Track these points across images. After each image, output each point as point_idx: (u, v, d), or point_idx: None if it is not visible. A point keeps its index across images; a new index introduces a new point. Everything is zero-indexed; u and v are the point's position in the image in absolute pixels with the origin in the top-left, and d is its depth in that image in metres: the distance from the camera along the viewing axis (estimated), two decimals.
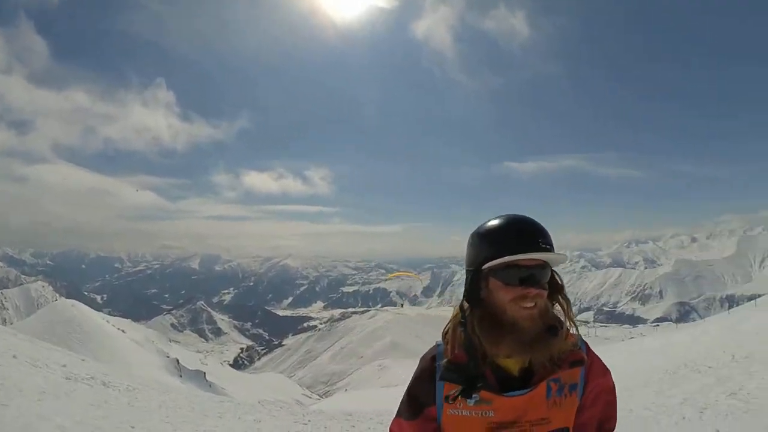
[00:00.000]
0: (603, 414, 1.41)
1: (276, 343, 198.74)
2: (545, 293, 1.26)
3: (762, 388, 8.36)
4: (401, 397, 1.42)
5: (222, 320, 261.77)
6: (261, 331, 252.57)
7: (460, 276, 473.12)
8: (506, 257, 1.22)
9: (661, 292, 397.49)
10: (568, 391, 1.30)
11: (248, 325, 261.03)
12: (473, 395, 1.23)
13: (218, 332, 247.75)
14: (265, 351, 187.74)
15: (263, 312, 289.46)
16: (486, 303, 1.28)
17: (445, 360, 1.30)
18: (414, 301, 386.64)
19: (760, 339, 14.81)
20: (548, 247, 1.26)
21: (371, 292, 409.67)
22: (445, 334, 1.39)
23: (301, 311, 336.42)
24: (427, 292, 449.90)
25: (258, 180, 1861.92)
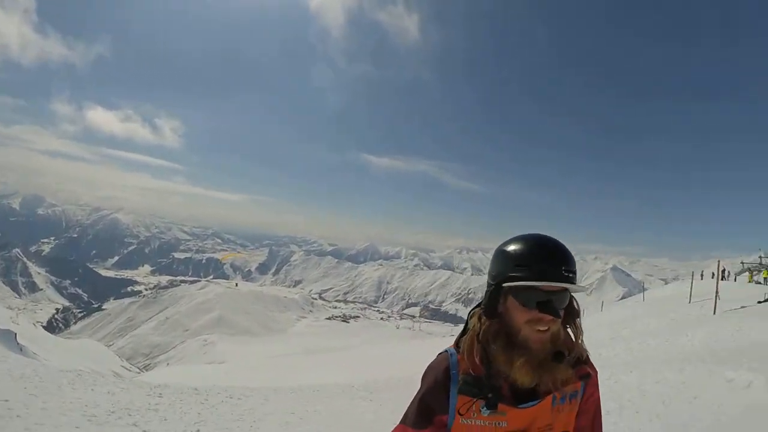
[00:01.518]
0: (595, 419, 1.49)
1: (95, 306, 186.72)
2: (560, 320, 1.31)
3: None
4: (408, 404, 1.45)
5: (38, 274, 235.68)
6: (80, 291, 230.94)
7: (299, 257, 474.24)
8: (528, 282, 1.26)
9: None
10: (569, 399, 1.37)
11: (67, 282, 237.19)
12: (489, 407, 1.29)
13: (33, 287, 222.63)
14: (82, 314, 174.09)
15: (85, 270, 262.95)
16: (502, 318, 1.34)
17: (463, 372, 1.34)
18: (248, 277, 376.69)
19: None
20: (571, 275, 1.29)
21: (204, 261, 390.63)
22: (458, 343, 1.42)
23: (127, 273, 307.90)
24: (263, 269, 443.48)
25: (103, 118, 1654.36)
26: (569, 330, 1.39)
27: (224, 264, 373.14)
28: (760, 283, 39.75)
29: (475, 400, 1.30)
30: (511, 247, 1.33)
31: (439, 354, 1.45)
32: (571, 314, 1.37)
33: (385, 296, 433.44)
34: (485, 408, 1.29)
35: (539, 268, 1.25)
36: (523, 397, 1.32)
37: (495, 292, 1.33)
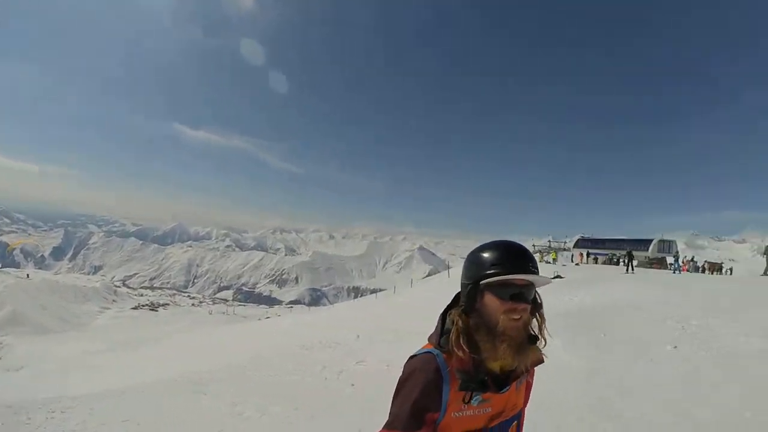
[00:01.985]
0: (528, 393, 1.83)
1: None
2: (529, 308, 1.54)
3: (380, 357, 11.72)
4: (393, 409, 1.52)
5: None
6: None
7: (98, 239, 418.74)
8: (504, 276, 1.48)
9: (297, 277, 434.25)
10: (523, 380, 1.66)
11: None
12: (476, 396, 1.49)
13: None
14: None
15: None
16: (479, 313, 1.54)
17: (457, 369, 1.49)
18: (41, 264, 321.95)
19: (378, 323, 19.18)
20: (535, 270, 1.53)
21: None
22: (439, 343, 1.57)
23: None
24: (57, 253, 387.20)
25: None
26: (535, 318, 1.62)
27: (13, 250, 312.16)
28: (549, 263, 47.16)
29: (465, 393, 1.49)
30: (486, 251, 1.56)
31: (419, 355, 1.57)
32: (536, 305, 1.60)
33: (196, 280, 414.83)
34: (475, 398, 1.50)
35: (512, 265, 1.50)
36: (500, 383, 1.54)
37: (472, 291, 1.56)
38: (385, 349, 12.79)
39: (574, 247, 63.84)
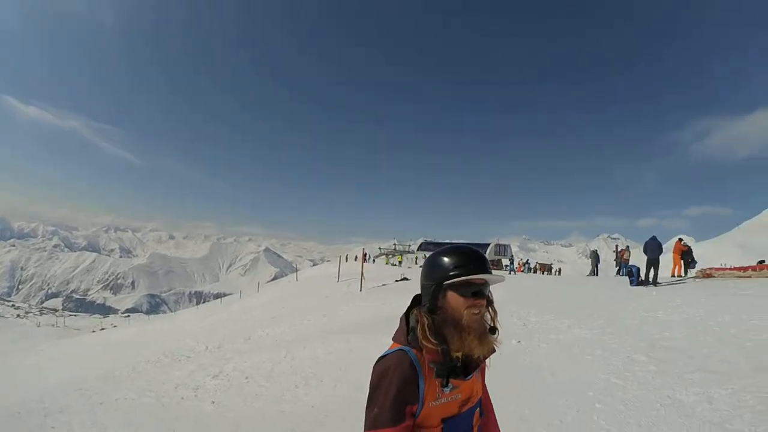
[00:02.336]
0: (486, 387, 2.01)
1: None
2: (485, 304, 1.70)
3: (236, 369, 11.02)
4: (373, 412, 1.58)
5: None
6: None
7: None
8: (467, 276, 1.63)
9: (133, 282, 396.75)
10: (478, 369, 1.78)
11: None
12: (449, 384, 1.63)
13: None
14: None
15: None
16: (442, 310, 1.68)
17: (430, 362, 1.62)
18: None
19: (227, 331, 18.27)
20: (491, 271, 1.70)
21: None
22: (408, 339, 1.69)
23: None
24: None
25: None
26: (488, 312, 1.76)
27: None
28: (395, 265, 49.01)
29: (440, 380, 1.62)
30: (447, 255, 1.71)
31: (391, 354, 1.66)
32: (489, 301, 1.75)
33: (20, 286, 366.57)
34: (448, 386, 1.63)
35: (473, 266, 1.65)
36: (463, 371, 1.68)
37: (436, 291, 1.69)
38: (239, 359, 12.24)
39: (418, 249, 67.86)
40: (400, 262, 50.60)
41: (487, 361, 1.82)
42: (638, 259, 21.55)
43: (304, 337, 13.86)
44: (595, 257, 29.72)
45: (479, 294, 1.67)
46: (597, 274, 29.00)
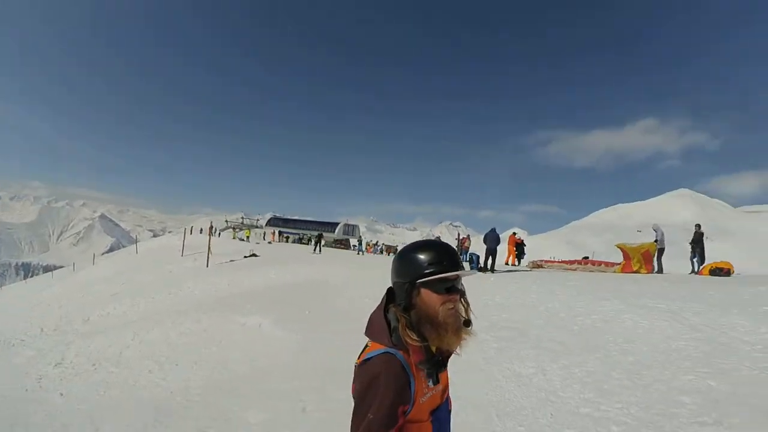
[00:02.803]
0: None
1: None
2: (459, 298, 1.73)
3: (80, 354, 10.18)
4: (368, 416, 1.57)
5: None
6: None
7: None
8: (440, 275, 1.66)
9: None
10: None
11: None
12: (438, 379, 1.71)
13: None
14: None
15: None
16: (417, 308, 1.70)
17: (417, 362, 1.66)
18: None
19: (63, 310, 16.43)
20: (462, 265, 1.73)
21: None
22: (393, 340, 1.66)
23: None
24: None
25: None
26: (461, 304, 1.79)
27: None
28: (242, 240, 47.18)
29: (432, 378, 1.69)
30: (421, 251, 1.74)
31: (377, 357, 1.64)
32: (462, 293, 1.78)
33: None
34: (431, 381, 1.69)
35: (446, 263, 1.69)
36: (441, 364, 1.74)
37: (409, 289, 1.71)
38: (81, 343, 11.08)
39: (266, 225, 66.13)
40: (248, 237, 49.13)
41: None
42: (477, 247, 23.60)
43: (150, 317, 13.04)
44: None
45: (453, 289, 1.70)
46: None
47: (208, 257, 25.16)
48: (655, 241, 17.75)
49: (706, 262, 17.41)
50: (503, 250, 24.00)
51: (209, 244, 26.84)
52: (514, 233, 23.97)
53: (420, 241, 1.80)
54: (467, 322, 1.74)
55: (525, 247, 23.59)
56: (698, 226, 18.87)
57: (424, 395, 1.67)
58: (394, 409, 1.56)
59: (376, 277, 16.39)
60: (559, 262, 21.33)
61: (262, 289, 15.22)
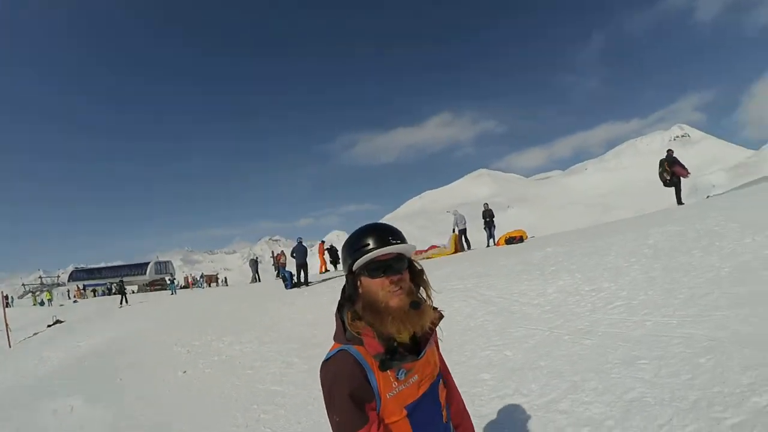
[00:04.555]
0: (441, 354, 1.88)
1: None
2: (406, 277, 1.61)
3: None
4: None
5: None
6: None
7: None
8: (366, 256, 1.55)
9: None
10: (431, 342, 1.69)
11: None
12: (401, 370, 1.56)
13: None
14: None
15: None
16: (362, 297, 1.61)
17: (373, 355, 1.52)
18: None
19: None
20: (397, 241, 1.59)
21: None
22: (346, 337, 1.58)
23: None
24: None
25: None
26: (421, 285, 1.70)
27: None
28: (44, 304, 39.82)
29: (390, 372, 1.54)
30: (351, 240, 1.65)
31: (332, 356, 1.56)
32: (415, 272, 1.68)
33: None
34: (400, 372, 1.57)
35: (373, 243, 1.57)
36: (413, 351, 1.62)
37: (351, 279, 1.64)
38: None
39: (69, 280, 57.65)
40: (49, 300, 41.77)
41: (439, 330, 1.77)
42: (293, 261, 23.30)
43: None
44: (254, 265, 31.63)
45: (391, 270, 1.59)
46: (259, 280, 30.63)
47: (8, 335, 20.79)
48: (455, 228, 19.82)
49: (502, 232, 19.49)
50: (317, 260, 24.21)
51: (5, 318, 22.21)
52: (322, 242, 24.91)
53: (357, 229, 1.70)
54: (415, 303, 1.61)
55: (337, 253, 24.06)
56: (486, 204, 21.28)
57: (392, 390, 1.56)
58: (359, 407, 1.50)
59: (190, 318, 15.08)
60: None
61: (72, 362, 13.12)
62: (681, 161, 16.33)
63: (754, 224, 7.76)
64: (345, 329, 1.61)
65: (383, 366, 1.52)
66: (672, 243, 8.11)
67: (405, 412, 1.57)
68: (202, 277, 48.24)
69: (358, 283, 1.65)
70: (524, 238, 17.82)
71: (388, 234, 1.63)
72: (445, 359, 1.93)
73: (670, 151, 16.64)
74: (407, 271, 1.66)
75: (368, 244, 1.60)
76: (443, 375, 1.85)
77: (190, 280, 47.44)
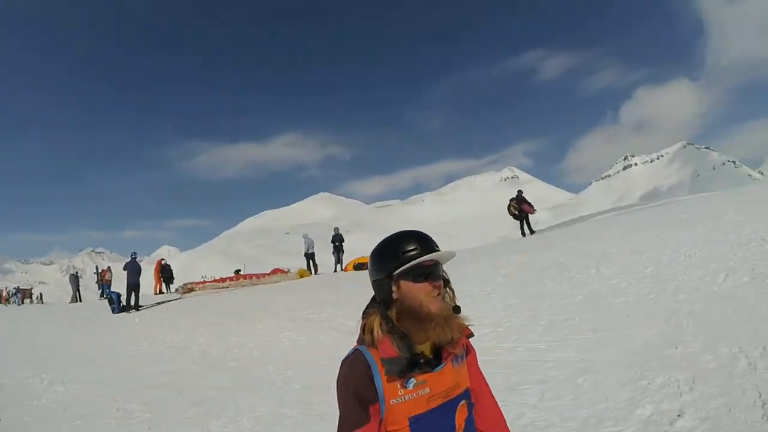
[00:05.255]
0: (481, 374, 1.77)
1: None
2: (442, 284, 1.58)
3: None
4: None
5: None
6: None
7: None
8: (415, 261, 1.51)
9: None
10: (461, 359, 1.63)
11: None
12: (411, 380, 1.49)
13: None
14: None
15: None
16: (399, 302, 1.56)
17: (381, 359, 1.49)
18: None
19: None
20: (439, 249, 1.60)
21: None
22: (362, 339, 1.57)
23: None
24: None
25: None
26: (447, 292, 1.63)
27: None
28: None
29: (399, 379, 1.48)
30: (392, 244, 1.61)
31: (349, 356, 1.57)
32: (446, 280, 1.63)
33: None
34: (410, 382, 1.49)
35: (420, 248, 1.55)
36: (431, 364, 1.54)
37: (387, 284, 1.58)
38: None
39: None
40: None
41: (473, 344, 1.75)
42: (122, 279, 20.67)
43: None
44: (74, 281, 26.86)
45: (433, 275, 1.57)
46: (80, 300, 26.08)
47: None
48: (305, 250, 19.42)
49: (351, 257, 19.58)
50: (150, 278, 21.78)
51: None
52: (162, 259, 22.67)
53: (392, 234, 1.68)
54: (456, 309, 1.61)
55: (172, 272, 22.19)
56: (336, 229, 21.29)
57: (398, 397, 1.50)
58: (362, 406, 1.48)
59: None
60: (211, 281, 20.16)
61: None
62: (528, 200, 18.79)
63: (592, 256, 8.75)
64: (364, 332, 1.60)
65: (389, 372, 1.50)
66: (522, 272, 8.78)
67: (407, 422, 1.51)
68: (17, 291, 39.62)
69: (394, 288, 1.59)
70: None
71: (431, 241, 1.63)
72: (487, 383, 1.80)
73: (519, 191, 19.21)
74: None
75: (414, 249, 1.57)
76: (475, 393, 1.74)
77: (4, 294, 38.93)
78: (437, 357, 1.58)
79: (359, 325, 1.64)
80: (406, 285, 1.55)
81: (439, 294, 1.55)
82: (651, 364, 4.48)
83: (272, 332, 8.29)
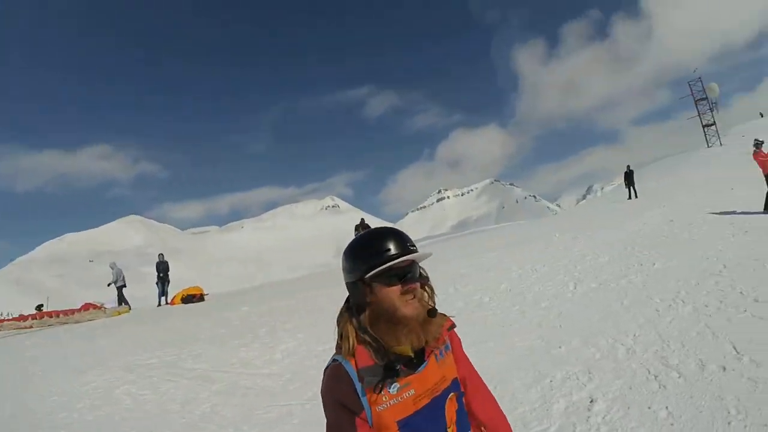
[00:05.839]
0: (467, 359, 1.71)
1: None
2: (419, 285, 1.52)
3: None
4: None
5: None
6: None
7: None
8: (388, 263, 1.44)
9: None
10: (445, 351, 1.59)
11: None
12: (393, 384, 1.43)
13: None
14: None
15: None
16: (374, 306, 1.49)
17: (359, 369, 1.44)
18: None
19: None
20: (414, 248, 1.52)
21: None
22: (340, 347, 1.51)
23: None
24: None
25: None
26: (425, 291, 1.59)
27: None
28: None
29: (380, 386, 1.42)
30: (362, 245, 1.54)
31: (329, 366, 1.51)
32: (423, 279, 1.58)
33: None
34: (393, 386, 1.44)
35: (393, 249, 1.47)
36: (413, 364, 1.49)
37: (360, 288, 1.50)
38: None
39: None
40: None
41: (458, 333, 1.69)
42: None
43: None
44: None
45: (409, 277, 1.48)
46: None
47: None
48: (113, 282, 16.90)
49: (175, 289, 17.46)
50: None
51: None
52: None
53: (365, 232, 1.60)
54: (432, 311, 1.52)
55: None
56: (161, 255, 19.13)
57: (383, 403, 1.44)
58: (349, 419, 1.43)
59: None
60: (9, 320, 16.21)
61: None
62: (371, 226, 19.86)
63: (448, 275, 9.27)
64: (341, 340, 1.56)
65: (369, 382, 1.44)
66: None
67: (396, 427, 1.46)
68: None
69: (368, 291, 1.51)
70: (203, 295, 16.55)
71: (406, 240, 1.54)
72: (474, 367, 1.72)
73: (362, 219, 20.81)
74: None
75: (389, 250, 1.48)
76: (464, 386, 1.68)
77: None
78: (419, 355, 1.53)
79: (335, 332, 1.59)
80: (381, 288, 1.49)
81: (414, 297, 1.50)
82: (544, 364, 4.80)
83: (105, 387, 6.35)
